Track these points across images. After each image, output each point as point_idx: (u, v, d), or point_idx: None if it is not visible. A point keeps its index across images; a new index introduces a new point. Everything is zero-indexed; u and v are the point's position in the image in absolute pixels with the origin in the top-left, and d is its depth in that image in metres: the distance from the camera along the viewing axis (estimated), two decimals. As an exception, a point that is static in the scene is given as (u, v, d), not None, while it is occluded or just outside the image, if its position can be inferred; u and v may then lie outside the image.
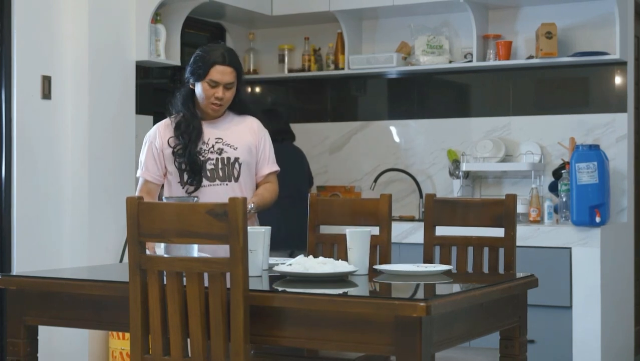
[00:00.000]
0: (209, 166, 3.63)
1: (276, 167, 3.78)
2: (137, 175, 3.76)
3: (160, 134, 3.71)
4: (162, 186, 3.75)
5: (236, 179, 3.65)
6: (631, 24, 5.42)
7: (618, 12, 5.21)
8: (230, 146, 3.66)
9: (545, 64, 5.40)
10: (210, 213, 2.59)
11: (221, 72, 3.59)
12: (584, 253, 4.83)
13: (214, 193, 3.60)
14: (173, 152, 3.65)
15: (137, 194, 3.74)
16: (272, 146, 3.80)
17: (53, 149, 4.88)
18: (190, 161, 3.60)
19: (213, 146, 3.65)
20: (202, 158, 3.62)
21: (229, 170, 3.64)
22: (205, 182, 3.63)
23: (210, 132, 3.67)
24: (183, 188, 3.65)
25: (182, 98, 3.70)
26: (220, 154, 3.65)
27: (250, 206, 3.55)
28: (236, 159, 3.65)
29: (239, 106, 3.75)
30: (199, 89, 3.64)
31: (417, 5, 5.64)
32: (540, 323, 4.80)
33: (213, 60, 3.59)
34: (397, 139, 5.95)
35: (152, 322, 2.68)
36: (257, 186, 3.75)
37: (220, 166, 3.64)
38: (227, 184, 3.63)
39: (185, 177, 3.64)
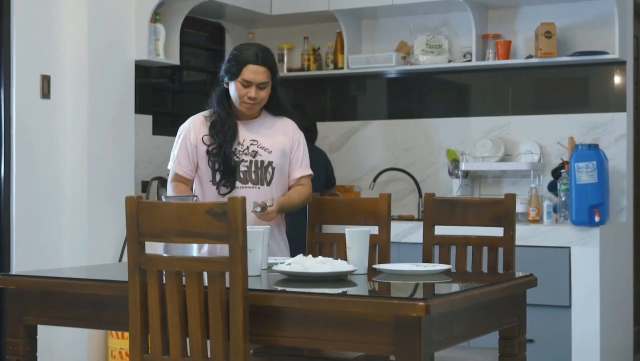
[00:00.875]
0: (242, 168, 3.59)
1: (309, 171, 3.72)
2: (169, 167, 3.72)
3: (195, 129, 3.65)
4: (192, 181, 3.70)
5: (268, 183, 3.61)
6: (630, 24, 5.42)
7: (617, 12, 5.21)
8: (264, 149, 3.62)
9: (544, 63, 5.40)
10: (209, 212, 2.59)
11: (254, 72, 3.53)
12: (583, 253, 4.83)
13: (246, 195, 3.56)
14: (207, 152, 3.60)
15: (169, 186, 3.70)
16: (307, 149, 3.74)
17: (52, 148, 4.88)
18: (224, 161, 3.56)
19: (247, 148, 3.60)
20: (236, 159, 3.58)
21: (262, 173, 3.60)
22: (237, 183, 3.59)
23: (246, 134, 3.62)
24: (216, 187, 3.60)
25: (217, 97, 3.65)
26: (254, 156, 3.60)
27: (269, 202, 3.49)
28: (270, 163, 3.61)
29: (276, 106, 3.69)
30: (232, 88, 3.59)
31: (416, 5, 5.64)
32: (539, 323, 4.80)
33: (246, 59, 3.54)
34: (396, 138, 5.95)
35: (152, 322, 2.68)
36: (289, 189, 3.70)
37: (253, 168, 3.59)
38: (259, 188, 3.59)
39: (218, 177, 3.59)
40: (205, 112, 3.69)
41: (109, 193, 5.00)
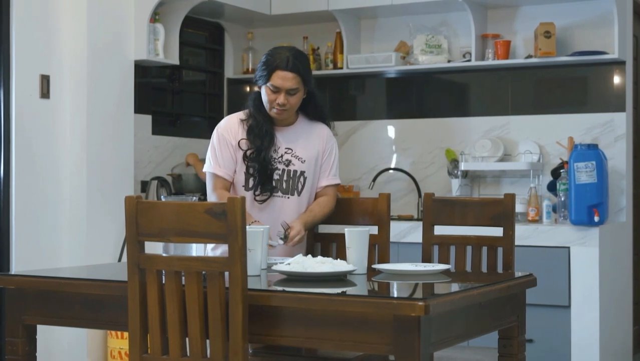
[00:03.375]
0: (275, 176, 3.53)
1: (336, 181, 3.66)
2: (206, 170, 3.56)
3: (233, 131, 3.55)
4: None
5: (299, 193, 3.56)
6: (630, 24, 5.42)
7: (617, 12, 5.21)
8: (298, 159, 3.56)
9: (543, 63, 5.40)
10: (208, 212, 2.58)
11: (282, 78, 3.44)
12: (583, 253, 4.83)
13: (274, 204, 3.52)
14: (245, 156, 3.52)
15: (212, 191, 3.52)
16: (338, 157, 3.68)
17: (52, 148, 4.88)
18: (261, 167, 3.49)
19: (282, 156, 3.54)
20: (270, 167, 3.52)
21: (293, 183, 3.55)
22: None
23: (281, 141, 3.55)
24: (253, 193, 3.52)
25: (253, 100, 3.56)
26: (287, 165, 3.54)
27: (285, 225, 3.43)
28: (302, 173, 3.56)
29: (314, 112, 3.62)
30: (262, 93, 3.51)
31: (415, 5, 5.64)
32: (538, 323, 4.80)
33: (276, 64, 3.44)
34: (395, 138, 5.95)
35: (151, 321, 2.68)
36: (316, 196, 3.64)
37: (285, 178, 3.54)
38: (288, 197, 3.54)
39: (251, 182, 3.52)
40: (241, 115, 3.59)
41: (108, 192, 5.00)
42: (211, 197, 3.52)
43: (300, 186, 3.56)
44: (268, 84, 3.47)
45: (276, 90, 3.46)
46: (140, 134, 5.42)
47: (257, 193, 3.52)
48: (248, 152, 3.52)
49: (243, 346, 2.56)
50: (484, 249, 3.51)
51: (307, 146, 3.59)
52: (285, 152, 3.55)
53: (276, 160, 3.53)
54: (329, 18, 5.92)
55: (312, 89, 3.55)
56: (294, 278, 2.91)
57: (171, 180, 5.51)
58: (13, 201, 4.68)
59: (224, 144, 3.54)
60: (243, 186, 3.54)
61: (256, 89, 3.57)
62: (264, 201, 3.51)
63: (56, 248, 4.89)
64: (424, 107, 5.89)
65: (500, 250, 3.47)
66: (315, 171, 3.61)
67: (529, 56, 5.44)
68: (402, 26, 5.90)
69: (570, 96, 5.48)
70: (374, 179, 5.84)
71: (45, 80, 4.83)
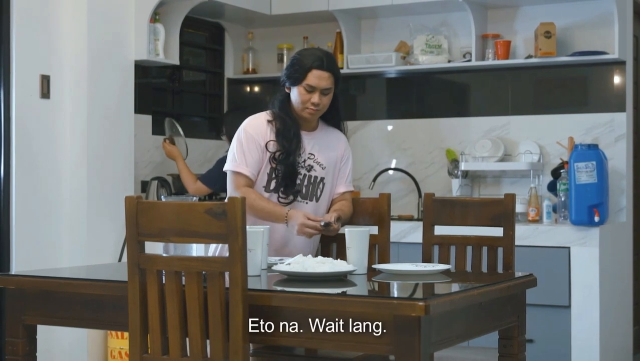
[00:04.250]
0: (296, 180, 3.52)
1: (352, 187, 3.67)
2: (230, 168, 3.50)
3: (262, 132, 3.50)
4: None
5: (317, 199, 3.55)
6: (630, 24, 5.42)
7: (617, 12, 5.21)
8: (319, 165, 3.55)
9: (544, 63, 5.40)
10: (208, 212, 2.58)
11: (318, 77, 3.43)
12: (583, 253, 4.83)
13: (293, 209, 3.51)
14: (273, 158, 3.48)
15: (235, 189, 3.48)
16: (352, 164, 3.70)
17: (52, 148, 4.88)
18: (288, 170, 3.46)
19: (305, 161, 3.53)
20: (296, 171, 3.51)
21: (313, 189, 3.54)
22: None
23: (305, 145, 3.54)
24: (277, 196, 3.50)
25: (279, 102, 3.53)
26: (309, 171, 3.53)
27: (332, 219, 3.42)
28: (322, 179, 3.55)
29: (334, 116, 3.61)
30: (294, 93, 3.47)
31: (416, 5, 5.64)
32: (539, 323, 4.80)
33: (311, 64, 3.43)
34: (395, 138, 5.95)
35: (151, 321, 2.68)
36: (333, 202, 3.63)
37: (306, 183, 3.52)
38: (307, 203, 3.53)
39: (273, 184, 3.50)
40: (267, 115, 3.54)
41: (108, 192, 5.00)
42: (235, 195, 3.45)
43: (319, 192, 3.56)
44: (303, 84, 3.45)
45: (311, 90, 3.45)
46: (141, 134, 5.42)
47: (282, 196, 3.50)
48: (277, 154, 3.48)
49: (243, 347, 2.56)
50: (484, 250, 3.51)
51: (327, 152, 3.58)
52: (308, 158, 3.54)
53: (299, 164, 3.52)
54: (329, 18, 5.92)
55: (337, 93, 3.55)
56: (294, 278, 2.91)
57: (171, 180, 5.51)
58: (13, 201, 4.68)
59: (253, 144, 3.49)
60: (264, 187, 3.51)
61: (285, 90, 3.53)
62: (287, 204, 3.50)
63: (56, 248, 4.89)
64: (424, 107, 5.89)
65: (500, 250, 3.47)
66: (333, 178, 3.60)
67: (529, 56, 5.44)
68: (402, 26, 5.90)
69: (571, 96, 5.48)
70: (374, 179, 5.84)
71: (45, 80, 4.83)
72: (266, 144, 3.50)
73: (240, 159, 3.48)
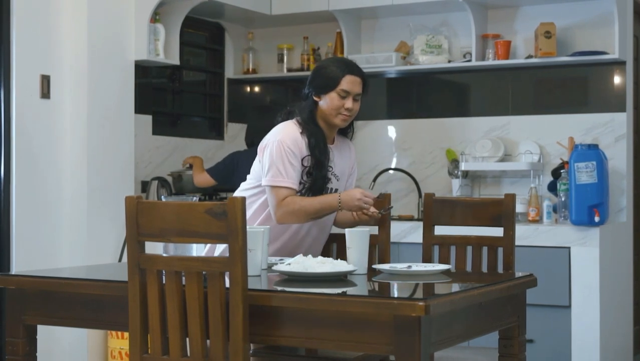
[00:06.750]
0: None
1: None
2: (276, 183, 3.39)
3: (300, 147, 3.43)
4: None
5: None
6: (630, 24, 5.42)
7: (617, 12, 5.21)
8: (336, 177, 3.54)
9: (544, 63, 5.40)
10: (209, 212, 2.58)
11: (352, 82, 3.47)
12: (583, 253, 4.83)
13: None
14: (308, 172, 3.44)
15: (281, 201, 3.38)
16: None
17: (52, 148, 4.88)
18: (319, 182, 3.44)
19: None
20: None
21: None
22: None
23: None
24: None
25: (308, 112, 3.49)
26: (327, 183, 3.52)
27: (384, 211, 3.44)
28: (336, 190, 3.53)
29: (350, 124, 3.60)
30: (326, 100, 3.45)
31: (416, 5, 5.64)
32: (539, 323, 4.81)
33: (343, 70, 3.47)
34: (396, 138, 5.95)
35: (151, 321, 2.68)
36: None
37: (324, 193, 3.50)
38: None
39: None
40: (296, 128, 3.49)
41: (108, 192, 5.00)
42: (281, 207, 3.38)
43: None
44: (337, 90, 3.45)
45: (345, 95, 3.46)
46: (141, 134, 5.42)
47: None
48: (310, 167, 3.44)
49: (243, 347, 2.56)
50: (484, 250, 3.51)
51: (342, 163, 3.59)
52: (328, 170, 3.52)
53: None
54: (329, 18, 5.92)
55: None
56: (294, 278, 2.91)
57: (171, 180, 5.52)
58: (13, 201, 4.68)
59: (294, 159, 3.42)
60: None
61: (315, 99, 3.49)
62: None
63: (56, 248, 4.89)
64: (425, 108, 5.89)
65: (500, 250, 3.47)
66: (343, 188, 3.59)
67: (530, 56, 5.44)
68: (402, 26, 5.90)
69: (571, 96, 5.48)
70: (375, 179, 5.84)
71: (45, 80, 4.83)
72: (302, 159, 3.45)
73: (286, 174, 3.40)
